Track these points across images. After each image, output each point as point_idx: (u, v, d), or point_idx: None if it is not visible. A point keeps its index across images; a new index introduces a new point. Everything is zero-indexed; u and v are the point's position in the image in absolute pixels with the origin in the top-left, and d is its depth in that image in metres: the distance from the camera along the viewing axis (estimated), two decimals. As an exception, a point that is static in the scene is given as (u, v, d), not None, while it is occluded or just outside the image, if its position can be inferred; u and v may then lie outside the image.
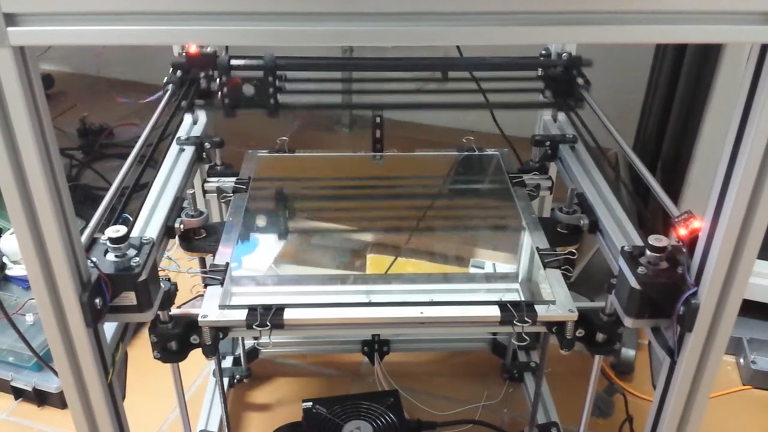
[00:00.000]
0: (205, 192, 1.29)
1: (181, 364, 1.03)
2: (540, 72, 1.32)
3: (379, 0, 0.65)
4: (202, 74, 1.24)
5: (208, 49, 1.19)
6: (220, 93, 1.15)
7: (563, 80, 1.26)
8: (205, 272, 1.06)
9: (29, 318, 1.56)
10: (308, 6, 0.66)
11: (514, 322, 0.95)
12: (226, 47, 1.24)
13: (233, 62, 1.19)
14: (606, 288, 0.94)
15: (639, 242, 0.97)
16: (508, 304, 0.97)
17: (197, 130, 1.32)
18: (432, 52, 1.47)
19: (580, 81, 1.23)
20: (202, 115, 1.35)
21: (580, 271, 1.67)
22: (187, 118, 1.33)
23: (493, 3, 0.66)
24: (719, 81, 1.52)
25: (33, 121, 0.70)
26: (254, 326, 0.94)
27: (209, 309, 0.97)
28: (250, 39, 0.68)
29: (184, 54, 1.24)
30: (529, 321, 0.95)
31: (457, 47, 1.36)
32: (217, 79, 1.16)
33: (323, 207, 1.39)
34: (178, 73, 1.24)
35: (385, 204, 1.40)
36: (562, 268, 1.05)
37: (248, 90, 1.15)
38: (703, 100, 1.59)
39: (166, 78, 1.23)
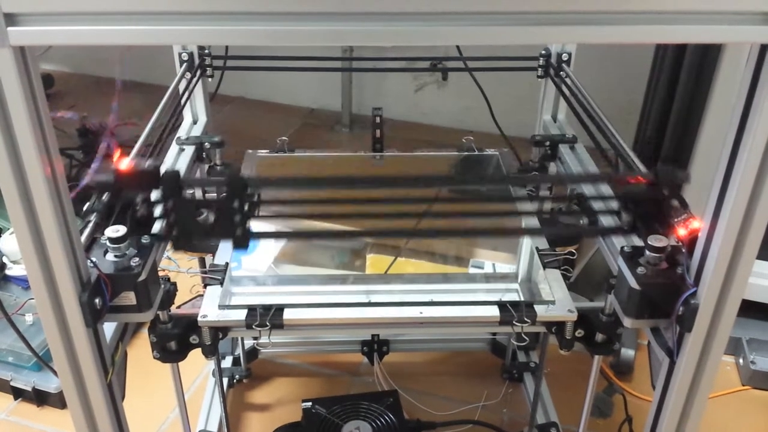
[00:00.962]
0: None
1: (180, 364, 1.03)
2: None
3: (378, 0, 0.65)
4: (140, 197, 0.86)
5: (146, 164, 0.84)
6: (165, 220, 0.80)
7: (650, 202, 0.87)
8: (204, 272, 1.06)
9: (29, 318, 1.56)
10: (308, 6, 0.66)
11: (514, 322, 0.95)
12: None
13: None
14: (605, 288, 0.94)
15: (638, 242, 0.97)
16: (508, 305, 0.97)
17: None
18: (432, 51, 1.48)
19: (675, 203, 0.87)
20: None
21: (579, 271, 1.67)
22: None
23: (493, 3, 0.66)
24: (719, 81, 1.52)
25: (33, 121, 0.70)
26: (254, 326, 0.94)
27: (209, 309, 0.97)
28: (248, 39, 0.68)
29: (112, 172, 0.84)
30: (529, 321, 0.95)
31: (457, 46, 1.36)
32: (161, 204, 0.81)
33: (323, 207, 1.39)
34: (105, 196, 0.90)
35: (384, 204, 1.40)
36: (562, 268, 1.05)
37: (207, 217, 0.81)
38: (702, 100, 1.59)
39: (87, 205, 0.89)
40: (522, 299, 1.02)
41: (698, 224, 0.83)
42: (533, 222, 1.16)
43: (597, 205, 1.01)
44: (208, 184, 0.86)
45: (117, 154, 0.92)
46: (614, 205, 0.95)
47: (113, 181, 0.84)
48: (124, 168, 0.85)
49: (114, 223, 0.86)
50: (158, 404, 1.49)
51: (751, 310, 1.63)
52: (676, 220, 0.85)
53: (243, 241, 0.81)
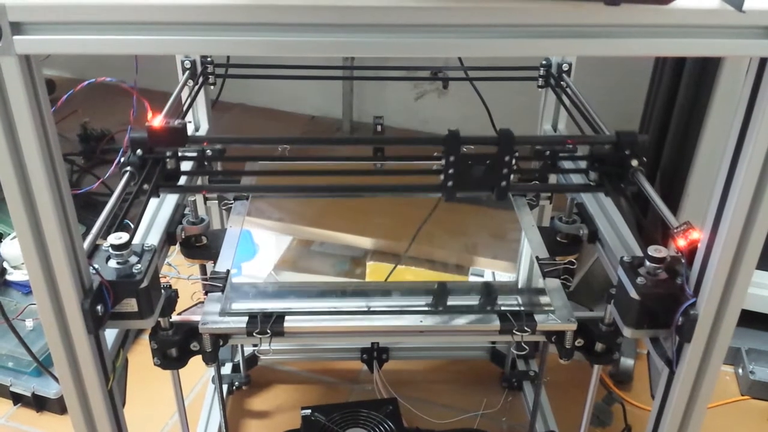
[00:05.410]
0: (206, 199, 1.29)
1: (180, 370, 1.03)
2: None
3: (381, 12, 0.66)
4: (169, 153, 0.99)
5: (176, 123, 0.95)
6: (443, 174, 0.93)
7: (613, 160, 1.01)
8: (205, 279, 1.06)
9: (29, 323, 1.56)
10: (309, 18, 0.66)
11: (514, 331, 0.95)
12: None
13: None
14: (605, 298, 0.95)
15: (638, 252, 0.97)
16: (508, 314, 0.97)
17: (165, 215, 1.11)
18: (433, 60, 1.49)
19: (634, 162, 1.00)
20: (170, 199, 1.14)
21: (579, 280, 1.67)
22: (152, 202, 1.06)
23: (495, 16, 0.66)
24: (718, 92, 1.52)
25: (37, 127, 0.70)
26: (254, 334, 0.95)
27: (210, 316, 0.97)
28: (251, 49, 0.69)
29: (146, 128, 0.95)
30: (529, 330, 0.95)
31: (459, 58, 1.37)
32: (445, 158, 0.93)
33: (323, 214, 1.39)
34: (138, 151, 0.98)
35: (385, 211, 1.40)
36: (562, 277, 1.05)
37: (477, 171, 0.94)
38: (702, 110, 1.59)
39: (123, 158, 0.99)
40: (522, 308, 1.03)
41: (698, 235, 0.84)
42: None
43: (567, 165, 1.13)
44: (482, 142, 0.96)
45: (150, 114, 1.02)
46: (583, 164, 1.05)
47: (146, 137, 0.95)
48: (155, 125, 0.95)
49: (147, 177, 0.97)
50: (158, 410, 1.49)
51: (750, 320, 1.63)
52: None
53: (504, 193, 0.95)
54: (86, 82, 1.30)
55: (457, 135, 0.91)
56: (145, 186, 0.96)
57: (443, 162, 0.93)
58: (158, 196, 1.05)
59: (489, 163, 0.93)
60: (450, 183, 0.93)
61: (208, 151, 1.26)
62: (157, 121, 0.96)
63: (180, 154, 1.01)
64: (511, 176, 0.94)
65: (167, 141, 0.95)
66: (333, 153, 1.19)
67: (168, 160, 0.99)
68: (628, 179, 1.00)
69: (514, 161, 0.93)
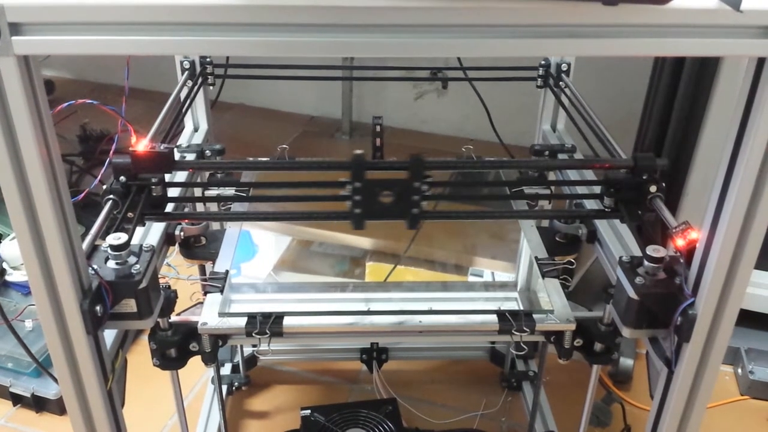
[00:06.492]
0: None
1: (179, 370, 1.03)
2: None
3: (379, 12, 0.66)
4: (154, 179, 0.91)
5: (162, 147, 0.90)
6: (351, 200, 0.86)
7: (629, 185, 0.95)
8: (204, 280, 1.06)
9: (28, 324, 1.56)
10: (309, 18, 0.66)
11: (513, 331, 0.96)
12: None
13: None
14: (604, 298, 0.95)
15: (637, 252, 0.97)
16: (507, 314, 0.97)
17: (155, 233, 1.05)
18: (432, 61, 1.49)
19: (652, 189, 0.94)
20: (156, 227, 1.07)
21: (578, 280, 1.67)
22: (138, 230, 0.97)
23: (494, 16, 0.66)
24: (718, 91, 1.53)
25: (36, 128, 0.70)
26: (253, 334, 0.95)
27: (209, 316, 0.97)
28: (250, 50, 0.69)
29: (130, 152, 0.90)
30: (528, 330, 0.95)
31: (458, 58, 1.37)
32: (349, 185, 0.85)
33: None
34: (122, 178, 0.91)
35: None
36: (561, 277, 1.06)
37: (385, 197, 0.86)
38: (701, 110, 1.59)
39: (105, 186, 0.93)
40: (521, 308, 1.03)
41: (696, 234, 0.84)
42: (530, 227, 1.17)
43: (581, 190, 1.10)
44: (389, 168, 0.89)
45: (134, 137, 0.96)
46: (597, 189, 0.99)
47: (130, 163, 0.90)
48: (140, 150, 0.89)
49: (131, 205, 0.91)
50: (157, 411, 1.49)
51: (749, 319, 1.63)
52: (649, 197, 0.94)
53: (415, 222, 0.88)
54: (66, 104, 1.28)
55: (362, 160, 0.85)
56: (130, 214, 0.90)
57: (350, 188, 0.86)
58: (143, 225, 0.98)
59: (398, 190, 0.86)
60: (358, 210, 0.87)
61: (207, 151, 1.26)
62: (141, 145, 0.91)
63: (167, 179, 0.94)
64: (423, 203, 0.87)
65: (152, 167, 0.90)
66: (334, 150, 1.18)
67: (154, 186, 0.92)
68: (645, 206, 0.94)
69: (426, 187, 0.86)
